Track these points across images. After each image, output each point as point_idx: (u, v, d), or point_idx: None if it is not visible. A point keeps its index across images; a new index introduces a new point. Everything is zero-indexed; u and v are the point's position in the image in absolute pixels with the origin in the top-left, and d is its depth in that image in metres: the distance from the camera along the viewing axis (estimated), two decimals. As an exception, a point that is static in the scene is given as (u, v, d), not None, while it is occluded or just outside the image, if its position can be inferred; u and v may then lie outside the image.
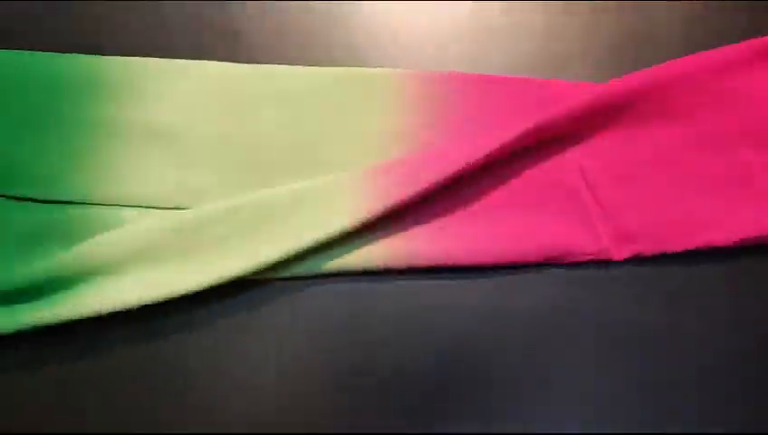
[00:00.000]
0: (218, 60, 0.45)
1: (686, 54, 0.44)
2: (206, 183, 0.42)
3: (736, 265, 0.41)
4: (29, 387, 0.39)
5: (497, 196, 0.42)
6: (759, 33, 0.46)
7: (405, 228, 0.41)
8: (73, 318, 0.37)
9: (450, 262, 0.40)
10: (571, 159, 0.43)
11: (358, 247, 0.40)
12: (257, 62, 0.45)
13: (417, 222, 0.41)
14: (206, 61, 0.44)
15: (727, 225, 0.41)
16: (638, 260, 0.41)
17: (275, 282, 0.40)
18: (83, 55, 0.44)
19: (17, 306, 0.38)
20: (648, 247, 0.41)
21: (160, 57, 0.45)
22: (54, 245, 0.39)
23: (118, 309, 0.37)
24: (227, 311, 0.40)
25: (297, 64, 0.45)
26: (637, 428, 0.38)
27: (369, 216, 0.39)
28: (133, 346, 0.39)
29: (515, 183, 0.42)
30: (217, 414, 0.38)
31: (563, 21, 0.48)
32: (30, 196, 0.41)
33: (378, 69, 0.45)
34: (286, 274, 0.40)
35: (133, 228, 0.39)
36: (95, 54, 0.44)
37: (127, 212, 0.41)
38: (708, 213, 0.41)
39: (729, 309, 0.41)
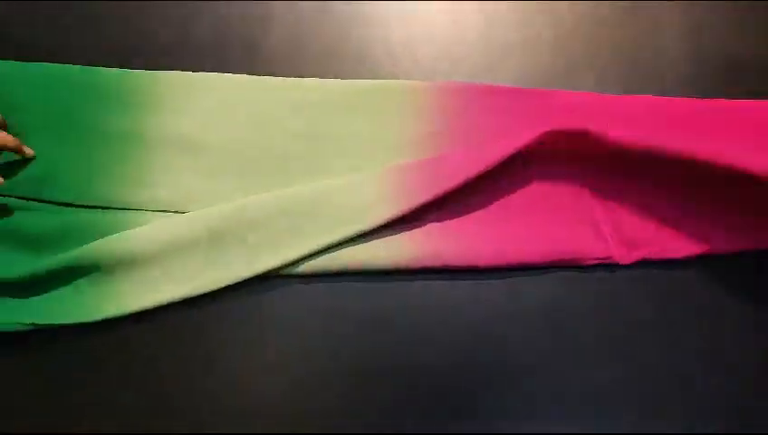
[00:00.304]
0: (240, 72, 0.46)
1: (687, 64, 0.44)
2: (230, 188, 0.44)
3: (737, 266, 0.42)
4: (56, 377, 0.41)
5: (512, 203, 0.44)
6: (760, 44, 0.46)
7: (423, 231, 0.42)
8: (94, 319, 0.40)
9: (465, 263, 0.42)
10: (581, 170, 0.44)
11: (375, 247, 0.42)
12: (276, 75, 0.46)
13: (436, 225, 0.43)
14: (228, 74, 0.46)
15: (728, 235, 0.42)
16: (644, 263, 0.42)
17: (292, 278, 0.42)
18: (114, 69, 0.46)
19: (42, 305, 0.41)
20: (653, 253, 0.42)
21: (185, 70, 0.46)
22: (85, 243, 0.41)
23: (141, 309, 0.40)
24: (245, 306, 0.42)
25: (314, 77, 0.46)
26: (640, 424, 0.39)
27: (389, 217, 0.41)
28: (148, 338, 0.41)
29: (528, 191, 0.44)
30: (230, 412, 0.40)
31: (571, 34, 0.49)
32: (66, 201, 0.43)
33: (391, 81, 0.46)
34: (304, 270, 0.42)
35: (160, 224, 0.41)
36: (125, 69, 0.46)
37: (157, 216, 0.43)
38: (710, 223, 0.42)
39: (730, 309, 0.41)
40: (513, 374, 0.40)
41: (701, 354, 0.40)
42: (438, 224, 0.43)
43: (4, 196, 0.43)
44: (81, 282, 0.41)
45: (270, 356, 0.41)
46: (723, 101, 0.46)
